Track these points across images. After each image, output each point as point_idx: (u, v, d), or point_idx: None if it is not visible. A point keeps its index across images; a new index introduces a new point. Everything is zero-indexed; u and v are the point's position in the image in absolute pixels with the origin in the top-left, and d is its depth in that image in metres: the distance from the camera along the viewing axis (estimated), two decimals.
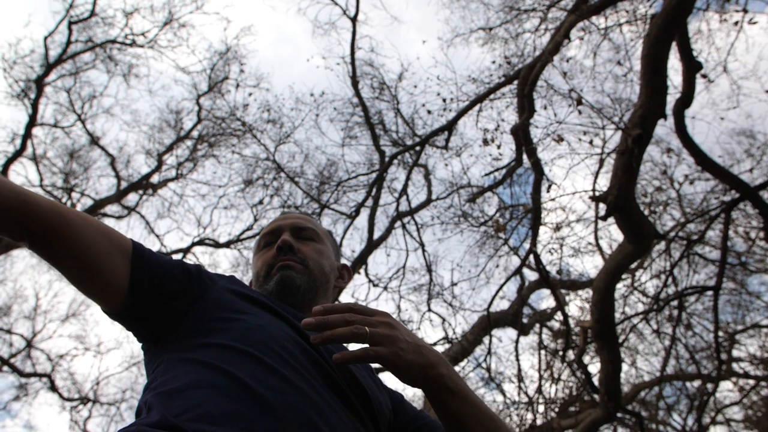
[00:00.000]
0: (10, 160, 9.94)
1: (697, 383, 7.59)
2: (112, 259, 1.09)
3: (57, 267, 1.08)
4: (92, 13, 10.01)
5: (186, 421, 0.89)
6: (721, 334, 6.76)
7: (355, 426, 1.06)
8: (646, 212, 6.72)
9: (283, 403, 0.96)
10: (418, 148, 8.32)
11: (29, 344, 10.68)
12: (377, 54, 10.60)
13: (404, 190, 8.52)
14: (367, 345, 0.99)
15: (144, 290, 1.10)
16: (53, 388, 10.55)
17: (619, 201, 4.96)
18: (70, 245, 1.05)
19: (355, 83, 8.71)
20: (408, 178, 8.51)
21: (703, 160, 5.76)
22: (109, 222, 11.18)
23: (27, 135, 9.96)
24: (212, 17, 12.88)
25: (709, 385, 6.97)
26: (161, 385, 1.01)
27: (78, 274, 1.08)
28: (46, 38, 9.86)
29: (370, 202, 8.41)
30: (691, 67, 5.40)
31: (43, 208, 1.04)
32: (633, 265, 6.92)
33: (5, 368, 10.44)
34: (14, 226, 1.02)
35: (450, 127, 8.02)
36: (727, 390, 8.06)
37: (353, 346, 1.03)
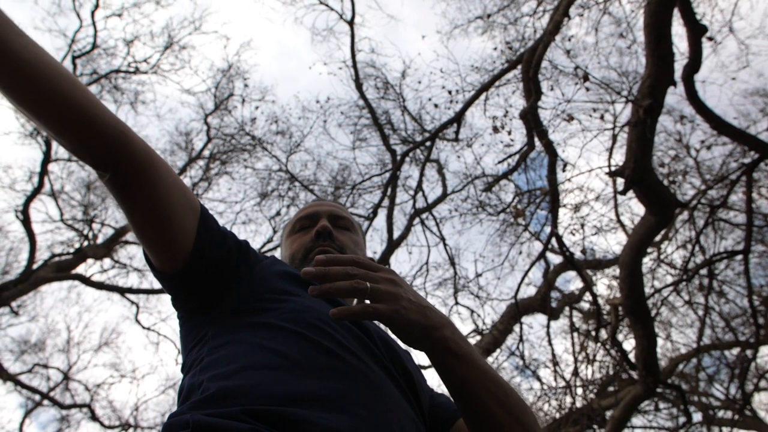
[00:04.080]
0: (29, 198, 10.09)
1: (735, 351, 7.47)
2: (183, 216, 1.07)
3: (130, 210, 1.04)
4: (94, 46, 10.13)
5: (244, 404, 0.87)
6: (755, 298, 6.64)
7: (407, 406, 1.04)
8: (665, 182, 6.64)
9: (341, 383, 0.95)
10: (428, 143, 8.29)
11: (66, 376, 10.83)
12: (378, 54, 10.63)
13: (419, 187, 8.50)
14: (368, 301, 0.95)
15: (204, 255, 1.08)
16: (94, 417, 10.68)
17: (637, 173, 4.90)
18: (151, 190, 1.02)
19: (359, 86, 8.72)
20: (422, 174, 8.50)
21: (719, 124, 5.66)
22: (131, 248, 11.30)
23: (43, 172, 10.11)
24: (211, 36, 12.97)
25: (749, 352, 6.86)
26: (212, 366, 0.99)
27: (148, 223, 1.05)
28: None
29: (386, 202, 8.40)
30: (696, 30, 5.31)
31: (138, 144, 1.02)
32: (658, 238, 6.84)
33: (46, 402, 10.60)
34: (105, 155, 0.99)
35: (458, 118, 7.98)
36: (767, 355, 7.93)
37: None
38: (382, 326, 1.14)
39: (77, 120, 0.95)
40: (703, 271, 6.56)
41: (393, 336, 1.07)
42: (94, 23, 10.01)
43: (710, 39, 6.28)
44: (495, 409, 0.97)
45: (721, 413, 7.81)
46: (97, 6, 9.93)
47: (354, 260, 0.98)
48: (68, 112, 0.95)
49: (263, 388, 0.91)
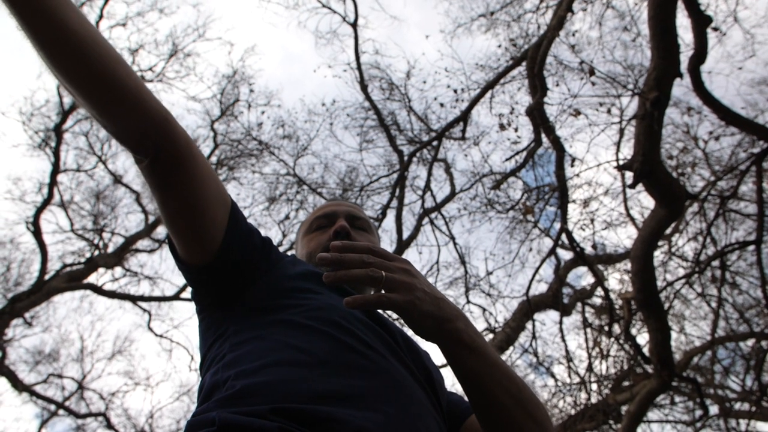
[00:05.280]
0: (39, 210, 10.16)
1: (750, 342, 7.42)
2: (216, 209, 1.06)
3: (164, 198, 1.03)
4: None
5: (271, 402, 0.86)
6: None
7: (429, 404, 1.04)
8: (675, 175, 6.60)
9: (366, 380, 0.95)
10: (435, 142, 8.29)
11: (81, 386, 10.88)
12: (382, 56, 10.62)
13: (427, 186, 8.50)
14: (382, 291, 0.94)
15: (233, 249, 1.08)
16: (110, 425, 10.72)
17: (645, 167, 4.87)
18: (189, 179, 1.01)
19: (364, 87, 8.73)
20: (429, 174, 8.50)
21: (726, 115, 5.63)
22: (142, 257, 11.36)
23: (53, 183, 10.18)
24: (215, 43, 13.03)
25: (764, 343, 6.82)
26: (235, 363, 0.98)
27: (181, 213, 1.04)
28: (58, 86, 10.06)
29: (394, 203, 8.40)
30: (701, 21, 5.28)
31: (180, 133, 1.01)
32: (668, 230, 6.80)
33: (61, 412, 10.66)
34: (147, 141, 0.98)
35: (464, 117, 7.98)
36: None
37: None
38: (400, 323, 1.14)
39: (125, 102, 0.95)
40: (716, 263, 6.52)
41: (411, 332, 1.07)
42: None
43: (715, 29, 6.25)
44: (507, 404, 0.97)
45: (737, 405, 7.75)
46: (101, 17, 10.00)
47: (370, 248, 0.98)
48: (117, 93, 0.94)
49: (289, 385, 0.90)
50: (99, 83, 0.93)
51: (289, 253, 1.32)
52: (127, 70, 0.96)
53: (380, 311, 1.16)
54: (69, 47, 0.90)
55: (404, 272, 0.97)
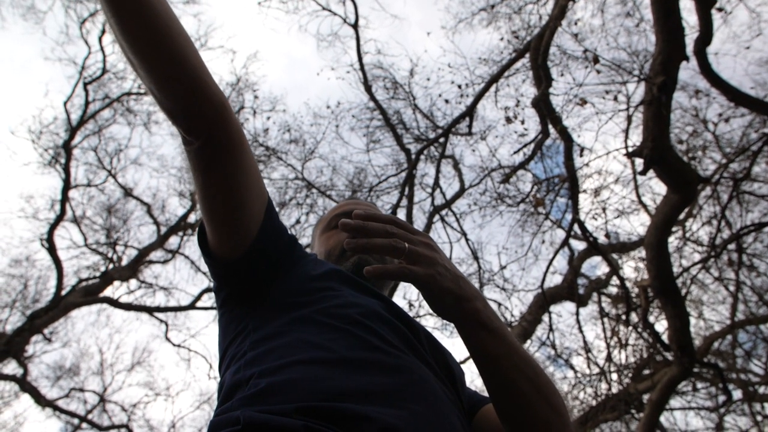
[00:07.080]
0: (53, 226, 10.25)
1: None
2: (254, 201, 1.06)
3: (208, 184, 1.02)
4: (104, 71, 10.27)
5: (295, 400, 0.85)
6: None
7: (451, 402, 1.02)
8: (685, 159, 6.54)
9: (390, 378, 0.93)
10: (442, 139, 8.26)
11: (102, 399, 10.96)
12: (385, 55, 10.61)
13: (436, 184, 8.47)
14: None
15: (266, 244, 1.08)
16: None
17: (656, 152, 4.83)
18: (234, 168, 1.01)
19: (368, 88, 8.72)
20: (438, 171, 8.47)
21: (736, 96, 5.57)
22: (156, 268, 11.42)
23: (65, 199, 10.27)
24: (217, 51, 13.06)
25: None
26: (257, 361, 0.97)
27: (222, 201, 1.03)
28: (65, 103, 10.16)
29: (404, 202, 8.37)
30: (705, 2, 5.22)
31: (235, 120, 1.01)
32: (682, 216, 6.74)
33: (84, 425, 10.73)
34: (202, 123, 0.98)
35: (470, 112, 7.95)
36: None
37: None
38: (422, 321, 1.12)
39: (187, 80, 0.95)
40: (732, 246, 6.45)
41: (431, 327, 1.05)
42: (102, 49, 10.15)
43: (720, 10, 6.17)
44: (524, 388, 0.96)
45: (761, 389, 7.66)
46: (104, 32, 10.06)
47: (393, 220, 0.98)
48: (181, 70, 0.94)
49: (313, 383, 0.89)
50: (165, 58, 0.93)
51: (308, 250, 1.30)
52: (193, 50, 0.96)
53: (401, 307, 1.15)
54: (143, 18, 0.90)
55: (426, 246, 0.97)
